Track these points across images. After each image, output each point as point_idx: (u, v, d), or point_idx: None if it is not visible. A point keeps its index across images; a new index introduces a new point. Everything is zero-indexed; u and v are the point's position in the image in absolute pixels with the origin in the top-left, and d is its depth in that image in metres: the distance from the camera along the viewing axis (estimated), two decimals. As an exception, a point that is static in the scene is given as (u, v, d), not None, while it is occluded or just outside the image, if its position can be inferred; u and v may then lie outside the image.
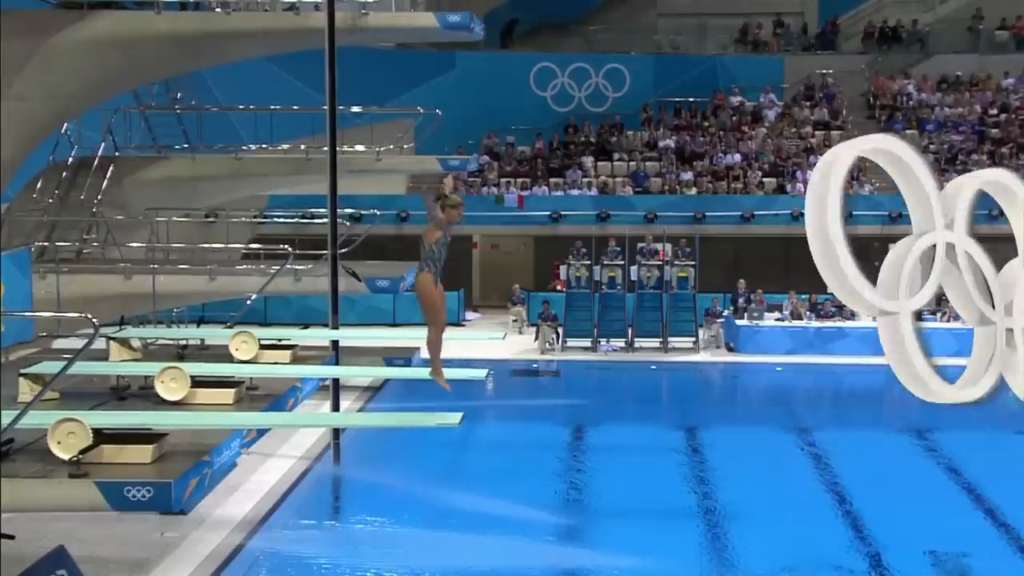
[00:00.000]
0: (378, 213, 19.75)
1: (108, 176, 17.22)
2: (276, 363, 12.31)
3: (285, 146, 20.10)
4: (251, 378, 11.21)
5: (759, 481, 13.89)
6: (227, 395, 10.55)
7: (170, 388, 10.30)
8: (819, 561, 11.42)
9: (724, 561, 11.58)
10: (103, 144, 17.94)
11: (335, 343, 14.42)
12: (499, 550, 10.84)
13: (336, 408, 14.65)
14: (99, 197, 16.95)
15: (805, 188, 25.92)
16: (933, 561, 11.57)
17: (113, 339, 11.88)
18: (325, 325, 14.86)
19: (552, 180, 27.33)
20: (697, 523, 12.57)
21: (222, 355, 12.03)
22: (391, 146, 19.59)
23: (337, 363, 14.12)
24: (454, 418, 7.92)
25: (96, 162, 17.46)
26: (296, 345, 13.06)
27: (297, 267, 15.74)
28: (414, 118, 20.55)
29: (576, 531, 12.55)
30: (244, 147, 19.51)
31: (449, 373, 9.09)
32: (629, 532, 12.12)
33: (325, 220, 14.48)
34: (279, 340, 13.03)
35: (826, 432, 16.86)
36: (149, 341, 13.15)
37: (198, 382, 10.50)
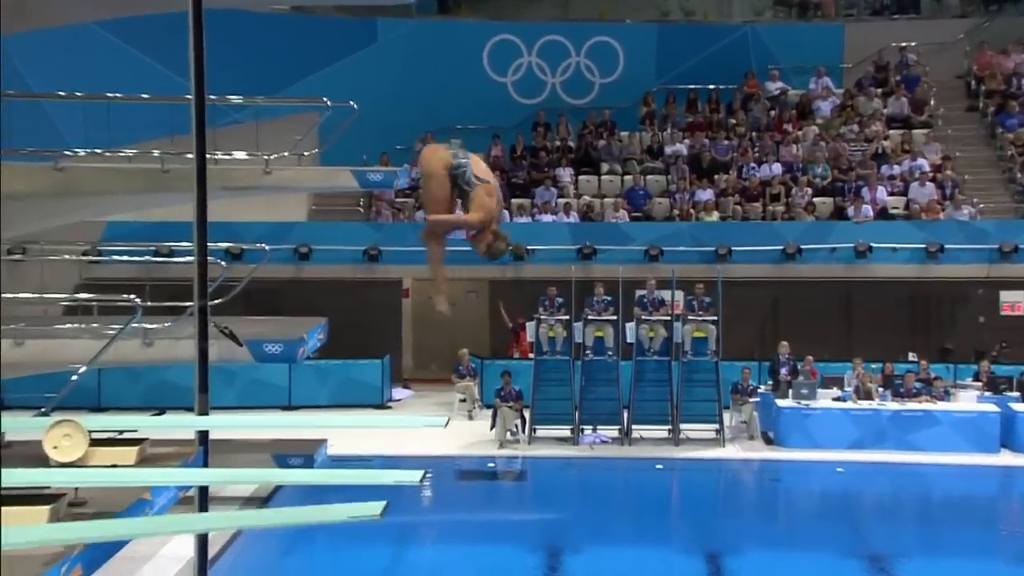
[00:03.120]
0: (267, 248, 19.49)
1: None
2: (115, 466, 12.00)
3: (130, 152, 19.87)
4: (76, 490, 10.89)
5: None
6: (38, 514, 10.23)
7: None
8: None
9: None
10: None
11: (203, 436, 14.08)
12: None
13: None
14: None
15: (874, 212, 26.71)
16: None
17: None
18: (189, 410, 14.55)
19: (515, 201, 27.36)
20: None
21: (32, 456, 11.71)
22: (286, 153, 19.38)
23: (206, 464, 13.78)
24: (374, 509, 7.65)
25: None
26: (145, 440, 12.83)
27: (148, 326, 15.44)
28: (319, 112, 20.39)
29: None
30: (69, 152, 19.22)
31: (367, 477, 9.07)
32: None
33: (190, 259, 14.20)
34: (119, 433, 12.77)
35: (909, 563, 16.78)
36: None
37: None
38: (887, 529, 18.88)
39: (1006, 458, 21.40)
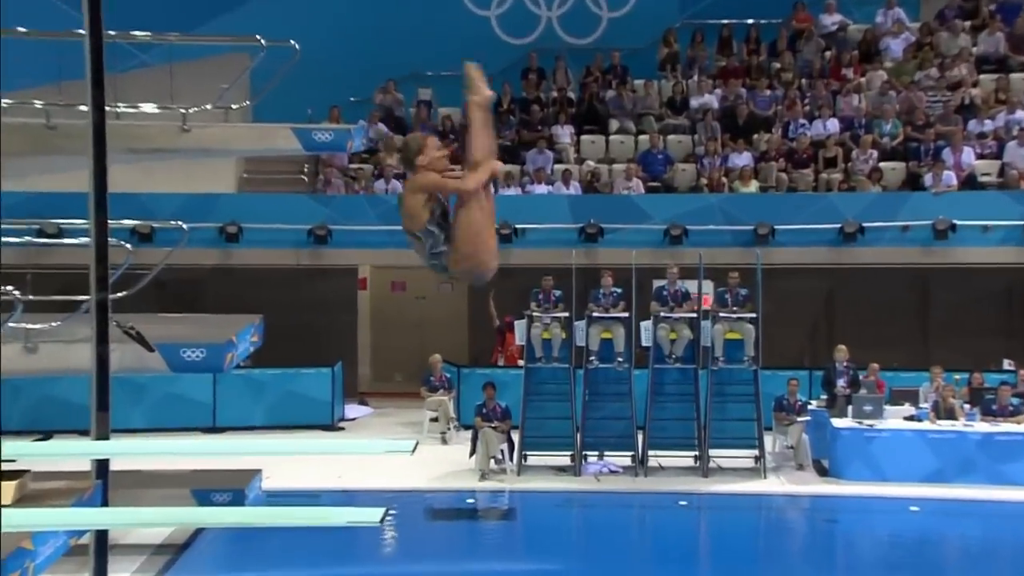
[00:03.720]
0: (185, 228, 19.34)
1: None
2: (-13, 507, 11.85)
3: (4, 103, 19.79)
4: (-61, 537, 10.73)
5: None
6: None
7: None
8: None
9: None
10: None
11: (102, 466, 14.01)
12: None
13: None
14: None
15: (959, 180, 26.58)
16: None
17: None
18: (84, 434, 14.44)
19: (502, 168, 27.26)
20: None
21: None
22: (209, 106, 19.25)
23: (105, 504, 13.70)
24: (374, 515, 7.62)
25: None
26: (26, 472, 12.66)
27: (30, 326, 15.28)
28: (250, 54, 20.26)
29: None
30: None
31: (314, 516, 9.22)
32: None
33: (85, 240, 14.08)
34: (-6, 463, 12.60)
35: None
36: None
37: None
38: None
39: None
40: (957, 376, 23.08)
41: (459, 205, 8.65)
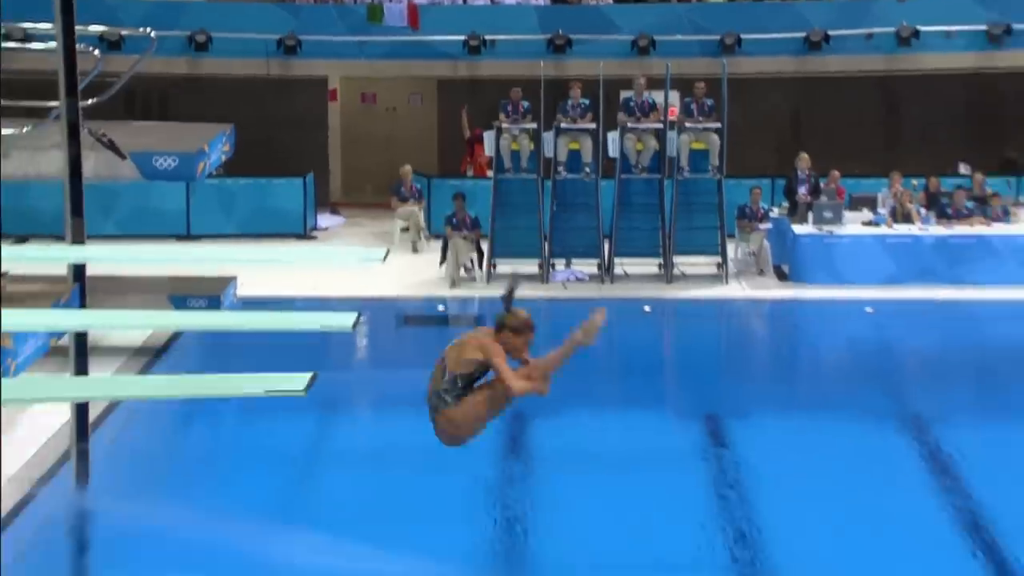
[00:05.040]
0: (153, 35, 19.13)
1: None
2: (-35, 307, 11.85)
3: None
4: (-85, 337, 10.79)
5: (834, 511, 13.92)
6: None
7: None
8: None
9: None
10: None
11: (78, 270, 13.98)
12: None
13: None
14: None
15: None
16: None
17: None
18: (58, 238, 14.43)
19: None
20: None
21: None
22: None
23: (82, 306, 13.70)
24: (296, 383, 7.62)
25: None
26: (4, 273, 12.63)
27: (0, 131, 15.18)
28: None
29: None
30: None
31: (287, 321, 9.86)
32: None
33: (52, 44, 13.93)
34: (-32, 265, 12.60)
35: (955, 425, 16.85)
36: None
37: None
38: (928, 384, 19.05)
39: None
40: (915, 182, 23.14)
41: (489, 387, 8.79)
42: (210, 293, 18.24)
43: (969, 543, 13.45)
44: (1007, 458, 15.55)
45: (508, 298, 8.72)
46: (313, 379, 7.45)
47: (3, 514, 13.32)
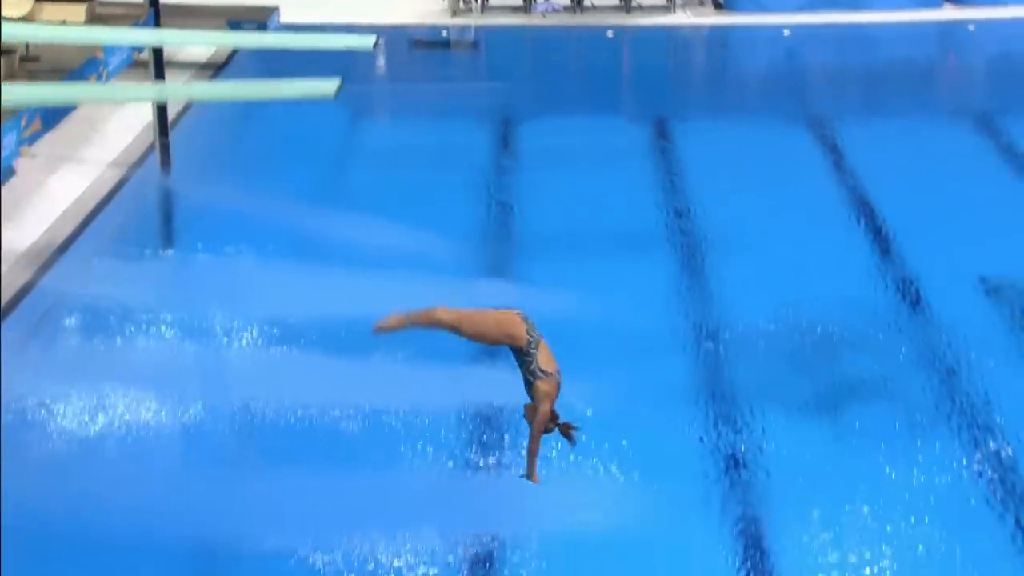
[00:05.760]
0: None
1: None
2: (64, 23, 11.79)
3: None
4: (27, 45, 10.73)
5: (755, 193, 14.04)
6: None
7: None
8: (834, 296, 11.64)
9: (705, 298, 11.83)
10: None
11: (153, -1, 13.83)
12: (392, 292, 10.69)
13: (160, 90, 14.30)
14: None
15: None
16: (986, 290, 11.90)
17: None
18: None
19: None
20: (667, 253, 12.77)
21: (-20, 11, 11.42)
22: None
23: (157, 24, 13.59)
24: (327, 88, 7.61)
25: None
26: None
27: None
28: None
29: (501, 266, 12.59)
30: None
31: (323, 41, 9.10)
32: (575, 266, 12.19)
33: None
34: (64, -13, 12.46)
35: (851, 125, 16.83)
36: None
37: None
38: (832, 95, 18.99)
39: (948, 12, 21.85)
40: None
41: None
42: (259, 19, 18.28)
43: (855, 214, 13.75)
44: (893, 147, 15.77)
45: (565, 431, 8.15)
46: (340, 86, 7.43)
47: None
